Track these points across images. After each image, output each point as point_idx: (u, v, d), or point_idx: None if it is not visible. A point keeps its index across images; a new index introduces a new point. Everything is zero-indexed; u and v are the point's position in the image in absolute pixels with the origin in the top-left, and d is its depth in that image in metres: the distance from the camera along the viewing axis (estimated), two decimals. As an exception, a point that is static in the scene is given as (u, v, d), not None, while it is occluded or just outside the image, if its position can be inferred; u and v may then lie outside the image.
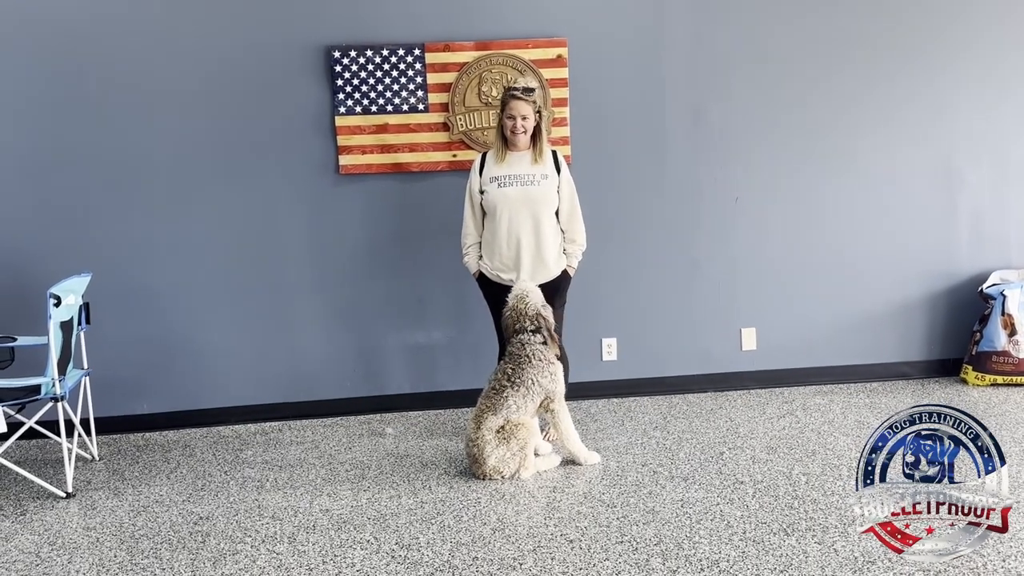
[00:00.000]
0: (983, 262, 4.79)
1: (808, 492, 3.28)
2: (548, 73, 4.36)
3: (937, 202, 4.73)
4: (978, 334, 4.68)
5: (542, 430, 3.92)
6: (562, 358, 3.93)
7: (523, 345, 3.58)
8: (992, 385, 4.61)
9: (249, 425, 4.45)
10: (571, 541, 2.95)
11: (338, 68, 4.28)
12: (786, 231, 4.68)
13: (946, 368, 4.84)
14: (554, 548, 2.90)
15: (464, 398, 4.48)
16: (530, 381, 3.54)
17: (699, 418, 4.27)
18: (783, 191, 4.65)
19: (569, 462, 3.69)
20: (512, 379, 3.54)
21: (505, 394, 3.52)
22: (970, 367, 4.69)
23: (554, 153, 3.89)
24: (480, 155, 3.95)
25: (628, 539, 2.95)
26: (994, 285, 4.65)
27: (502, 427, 3.50)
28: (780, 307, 4.73)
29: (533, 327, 3.59)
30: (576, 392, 4.48)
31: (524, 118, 3.73)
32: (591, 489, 3.41)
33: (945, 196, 4.73)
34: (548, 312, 3.64)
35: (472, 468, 3.57)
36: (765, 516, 3.09)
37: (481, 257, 3.93)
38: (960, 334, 4.82)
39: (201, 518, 3.30)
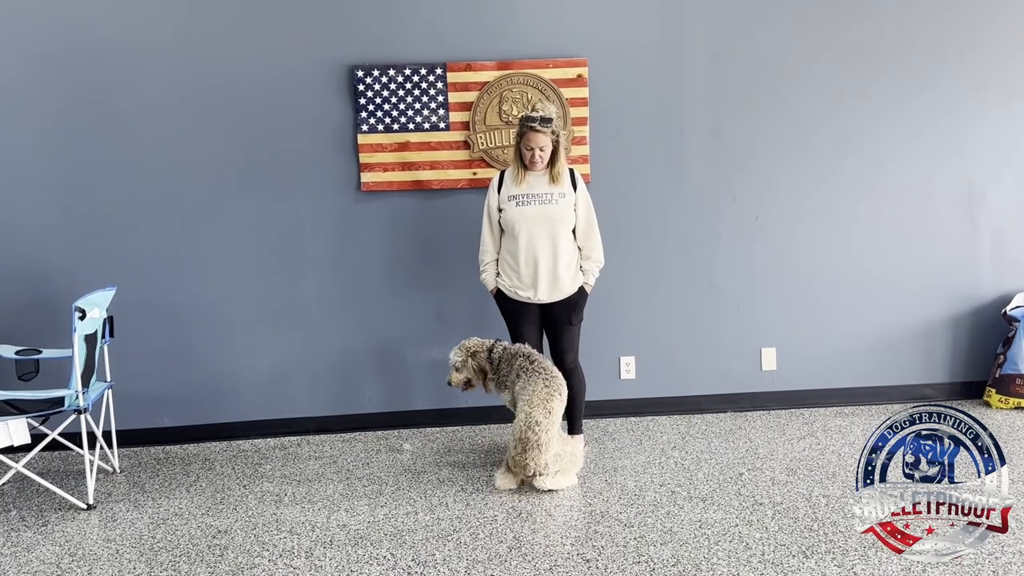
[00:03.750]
0: (1007, 284, 4.74)
1: (828, 514, 3.25)
2: (568, 92, 4.39)
3: (960, 223, 4.70)
4: (1002, 356, 4.62)
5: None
6: (578, 376, 3.95)
7: (529, 367, 3.71)
8: (1016, 408, 4.55)
9: (268, 439, 4.48)
10: (588, 561, 2.94)
11: (361, 87, 4.34)
12: (806, 250, 4.66)
13: (969, 390, 4.79)
14: (570, 567, 2.89)
15: (482, 416, 4.49)
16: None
17: (718, 438, 4.25)
18: (803, 210, 4.63)
19: (584, 481, 3.69)
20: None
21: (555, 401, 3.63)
22: (993, 390, 4.64)
23: (571, 171, 3.90)
24: (498, 173, 3.97)
25: (645, 559, 2.93)
26: (1018, 307, 4.61)
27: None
28: (800, 327, 4.70)
29: (524, 357, 3.73)
30: (594, 410, 4.48)
31: (542, 149, 3.75)
32: (608, 508, 3.40)
33: (968, 217, 4.69)
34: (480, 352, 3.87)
35: (522, 456, 3.49)
36: (784, 538, 3.06)
37: (499, 274, 3.95)
38: (983, 356, 4.77)
39: (219, 531, 3.32)
